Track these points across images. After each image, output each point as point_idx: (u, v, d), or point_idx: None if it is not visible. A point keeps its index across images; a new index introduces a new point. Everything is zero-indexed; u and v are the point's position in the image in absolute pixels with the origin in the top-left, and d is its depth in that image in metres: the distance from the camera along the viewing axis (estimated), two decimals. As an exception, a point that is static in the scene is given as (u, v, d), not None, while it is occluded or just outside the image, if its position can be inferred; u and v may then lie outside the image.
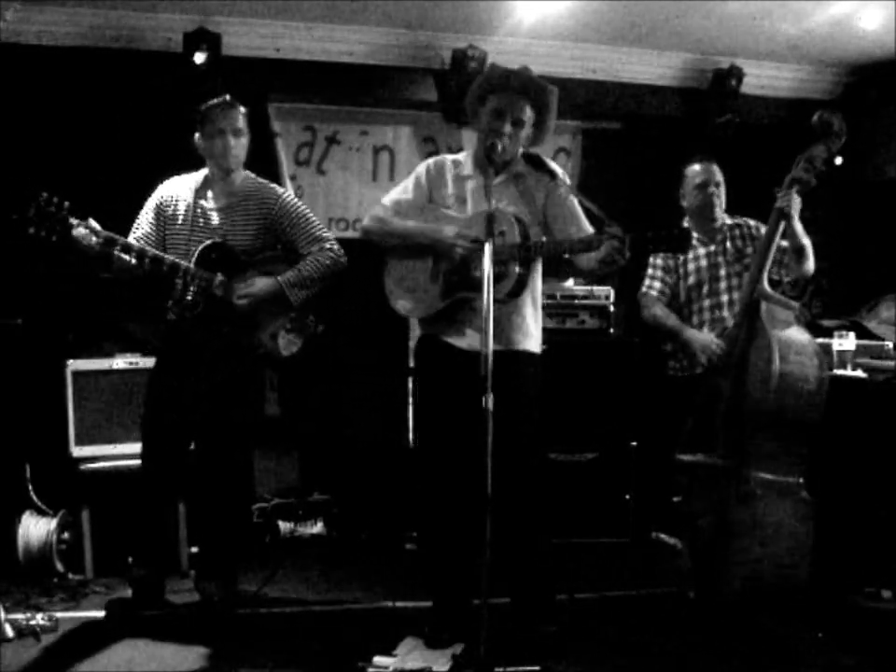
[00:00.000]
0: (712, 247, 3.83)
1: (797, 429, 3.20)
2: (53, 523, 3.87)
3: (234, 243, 3.41)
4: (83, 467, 3.89)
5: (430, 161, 3.30)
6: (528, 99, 3.09)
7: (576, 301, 4.73)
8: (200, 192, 3.46)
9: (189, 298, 3.36)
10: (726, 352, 3.43)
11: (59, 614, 3.33)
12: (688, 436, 3.44)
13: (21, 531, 3.83)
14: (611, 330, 4.74)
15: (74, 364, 3.94)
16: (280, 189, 3.58)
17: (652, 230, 2.87)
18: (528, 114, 3.09)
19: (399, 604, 3.61)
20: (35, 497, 4.01)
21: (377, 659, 2.98)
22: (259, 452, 4.50)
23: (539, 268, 3.21)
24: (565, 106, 3.28)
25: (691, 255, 3.79)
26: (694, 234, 3.71)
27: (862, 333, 4.16)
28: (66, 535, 3.89)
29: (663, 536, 4.53)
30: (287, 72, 4.79)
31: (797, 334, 3.26)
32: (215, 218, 3.43)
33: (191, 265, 3.32)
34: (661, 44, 4.99)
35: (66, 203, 3.17)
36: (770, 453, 3.19)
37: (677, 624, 3.36)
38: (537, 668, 2.88)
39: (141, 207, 3.50)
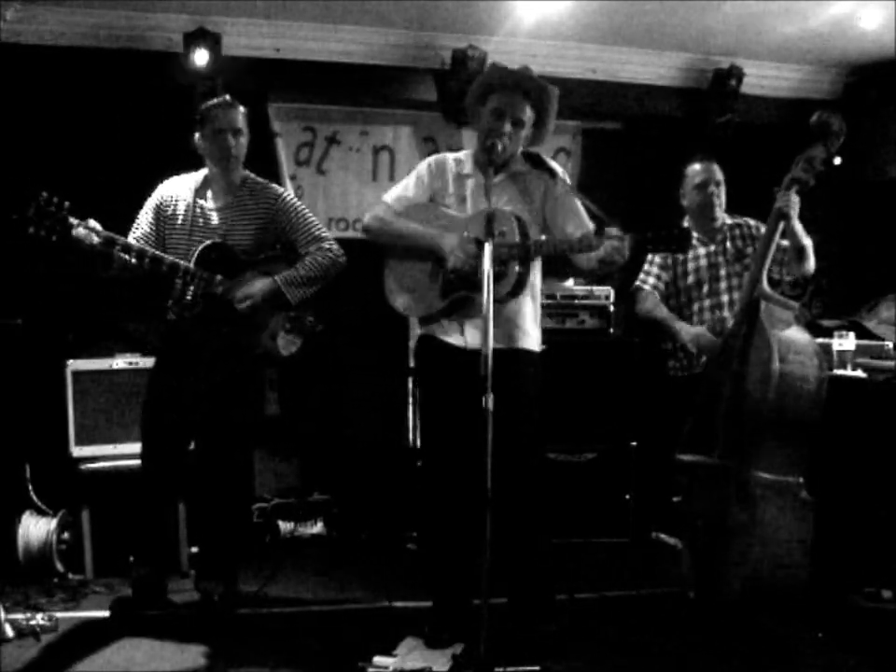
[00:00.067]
0: (712, 247, 3.83)
1: (797, 429, 3.19)
2: (53, 523, 3.87)
3: (234, 243, 3.41)
4: (83, 467, 3.90)
5: (432, 158, 3.30)
6: (528, 99, 3.08)
7: (576, 301, 4.74)
8: (199, 192, 3.46)
9: (189, 298, 3.36)
10: (719, 345, 3.45)
11: (59, 614, 3.34)
12: (688, 436, 3.44)
13: (21, 531, 3.84)
14: (611, 330, 4.74)
15: (74, 364, 3.94)
16: (280, 189, 3.58)
17: (652, 230, 2.88)
18: (528, 114, 3.09)
19: (398, 604, 3.62)
20: (35, 497, 4.01)
21: (377, 659, 2.98)
22: (259, 452, 4.52)
23: (538, 267, 3.22)
24: (565, 106, 3.27)
25: (690, 254, 3.79)
26: (694, 234, 3.72)
27: (862, 333, 4.16)
28: (66, 535, 3.89)
29: (663, 536, 4.54)
30: (287, 72, 4.79)
31: (797, 334, 3.26)
32: (214, 218, 3.43)
33: (191, 265, 3.32)
34: (661, 44, 4.99)
35: (66, 203, 3.17)
36: (770, 453, 3.18)
37: (677, 624, 3.36)
38: (536, 668, 2.88)
39: (141, 207, 3.50)
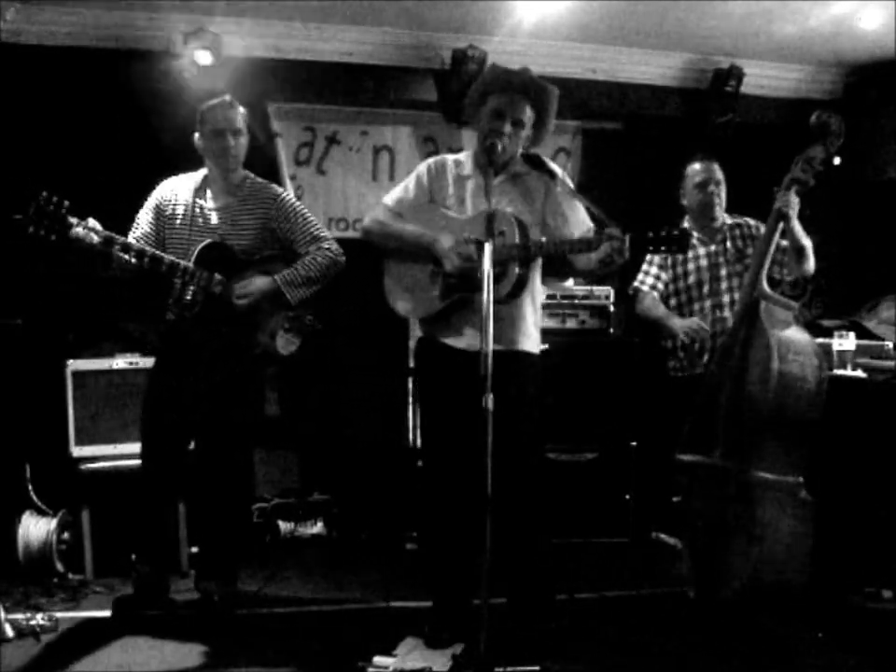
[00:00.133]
0: (712, 247, 3.84)
1: (797, 429, 3.19)
2: (53, 523, 3.87)
3: (233, 242, 3.41)
4: (83, 467, 3.89)
5: (431, 160, 3.30)
6: (528, 99, 3.09)
7: (576, 301, 4.74)
8: (199, 192, 3.46)
9: (188, 297, 3.36)
10: (709, 333, 3.47)
11: (59, 614, 3.34)
12: (688, 436, 3.44)
13: (20, 531, 3.83)
14: (611, 330, 4.74)
15: (74, 364, 3.94)
16: (279, 189, 3.58)
17: (652, 230, 2.88)
18: (528, 114, 3.10)
19: (398, 604, 3.61)
20: (35, 497, 4.01)
21: (377, 659, 2.98)
22: (259, 452, 4.51)
23: (538, 268, 3.21)
24: (565, 106, 3.28)
25: (691, 254, 3.79)
26: (694, 234, 3.73)
27: (862, 333, 4.16)
28: (66, 535, 3.89)
29: (663, 536, 4.54)
30: (287, 72, 4.79)
31: (796, 334, 3.26)
32: (214, 218, 3.43)
33: (190, 264, 3.32)
34: (661, 44, 4.99)
35: (66, 203, 3.17)
36: (770, 453, 3.18)
37: (677, 624, 3.36)
38: (536, 668, 2.88)
39: (141, 207, 3.50)
